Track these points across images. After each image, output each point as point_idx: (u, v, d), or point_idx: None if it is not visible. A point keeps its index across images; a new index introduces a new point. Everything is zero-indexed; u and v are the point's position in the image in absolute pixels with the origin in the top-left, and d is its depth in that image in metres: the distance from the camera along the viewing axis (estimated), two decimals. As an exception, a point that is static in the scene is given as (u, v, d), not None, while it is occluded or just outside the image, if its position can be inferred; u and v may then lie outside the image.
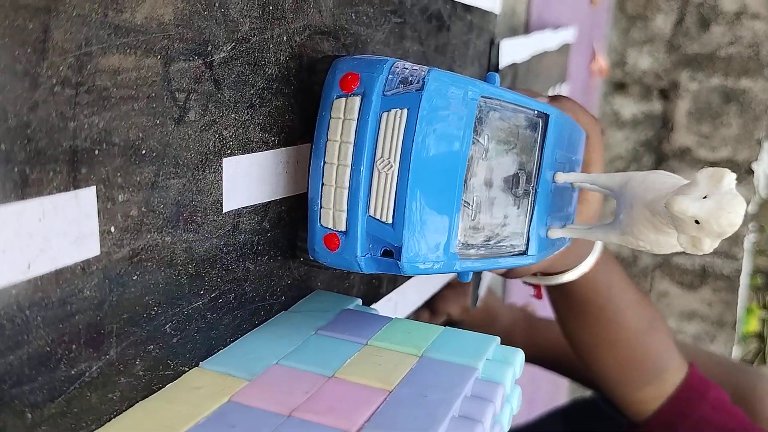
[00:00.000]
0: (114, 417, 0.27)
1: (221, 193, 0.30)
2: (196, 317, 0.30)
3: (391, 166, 0.31)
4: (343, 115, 0.32)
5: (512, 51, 0.73)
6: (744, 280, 2.36)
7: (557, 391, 1.88)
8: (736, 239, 2.29)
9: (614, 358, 0.62)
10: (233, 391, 0.28)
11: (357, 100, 0.31)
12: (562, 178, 0.40)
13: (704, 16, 2.26)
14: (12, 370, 0.22)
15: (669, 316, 2.35)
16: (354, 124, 0.31)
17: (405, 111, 0.31)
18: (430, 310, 0.71)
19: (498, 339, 0.34)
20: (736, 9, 2.19)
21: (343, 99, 0.32)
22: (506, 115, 0.36)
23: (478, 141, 0.34)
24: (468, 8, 0.55)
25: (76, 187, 0.23)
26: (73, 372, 0.25)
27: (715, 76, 2.27)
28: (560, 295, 0.58)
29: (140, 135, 0.25)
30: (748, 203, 2.22)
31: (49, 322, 0.23)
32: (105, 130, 0.24)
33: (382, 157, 0.31)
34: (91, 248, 0.24)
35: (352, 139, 0.31)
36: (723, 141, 2.27)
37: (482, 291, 0.74)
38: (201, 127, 0.28)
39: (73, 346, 0.24)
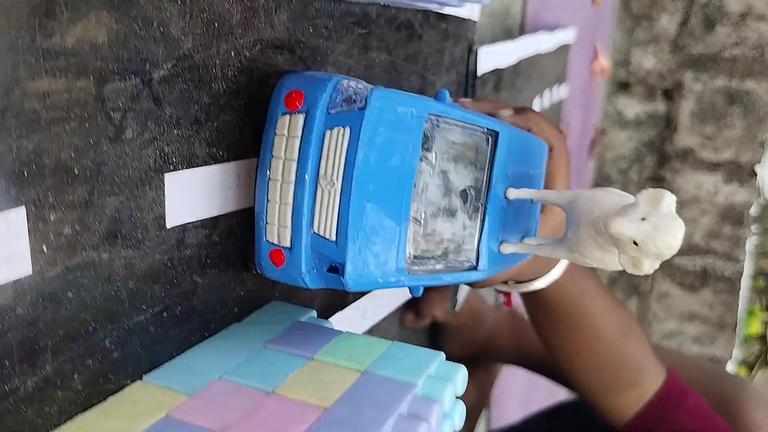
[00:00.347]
0: (50, 431, 0.27)
1: (164, 209, 0.30)
2: (139, 331, 0.30)
3: (334, 184, 0.31)
4: (287, 133, 0.32)
5: (494, 57, 0.73)
6: (745, 282, 2.35)
7: (555, 391, 1.88)
8: (738, 241, 2.28)
9: (590, 364, 0.62)
10: (171, 407, 0.29)
11: (301, 117, 0.32)
12: (513, 194, 0.40)
13: (709, 16, 2.24)
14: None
15: (669, 317, 2.34)
16: (297, 141, 0.32)
17: (347, 129, 0.31)
18: (414, 312, 0.71)
19: (442, 355, 0.34)
20: (741, 10, 2.17)
21: (288, 116, 0.32)
22: (455, 132, 0.36)
23: (426, 158, 0.34)
24: (443, 17, 0.55)
25: (4, 209, 0.23)
26: (6, 387, 0.25)
27: (719, 77, 2.26)
28: (533, 303, 0.58)
29: (72, 155, 0.26)
30: (750, 206, 2.21)
31: (-25, 340, 0.23)
32: (34, 152, 0.24)
33: (325, 174, 0.31)
34: (23, 267, 0.25)
35: (295, 156, 0.32)
36: (726, 143, 2.25)
37: (461, 296, 0.74)
38: (140, 144, 0.28)
39: (6, 362, 0.25)
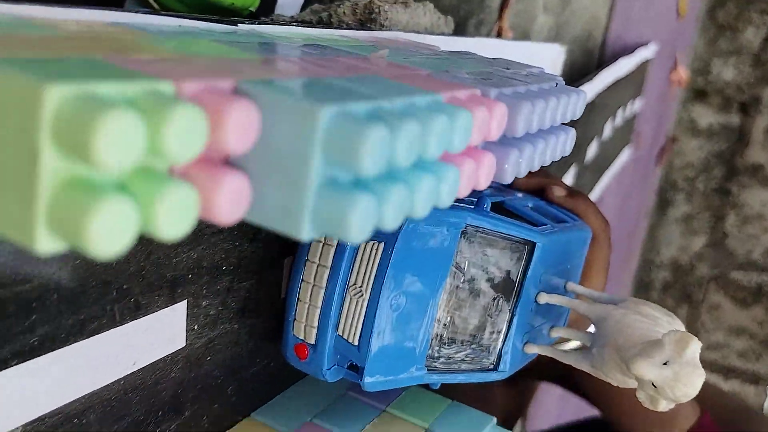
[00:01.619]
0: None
1: (282, 284, 0.38)
2: (252, 380, 0.38)
3: (362, 294, 0.33)
4: (323, 240, 0.34)
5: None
6: (800, 303, 2.34)
7: (587, 409, 1.93)
8: (797, 262, 2.27)
9: (621, 406, 0.67)
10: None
11: None
12: (544, 299, 0.41)
13: (797, 33, 2.21)
14: (116, 435, 0.30)
15: (718, 329, 2.36)
16: (332, 249, 0.34)
17: (381, 245, 0.33)
18: None
19: (494, 419, 0.41)
20: (830, 31, 2.13)
21: None
22: (491, 240, 0.37)
23: (458, 265, 0.36)
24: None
25: (172, 303, 0.31)
26: (158, 430, 0.33)
27: (799, 96, 2.23)
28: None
29: (223, 256, 0.33)
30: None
31: (144, 398, 0.31)
32: (197, 259, 0.32)
33: (355, 284, 0.33)
34: (179, 343, 0.32)
35: (329, 263, 0.34)
36: (798, 162, 2.23)
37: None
38: (266, 240, 0.36)
39: (160, 412, 0.33)
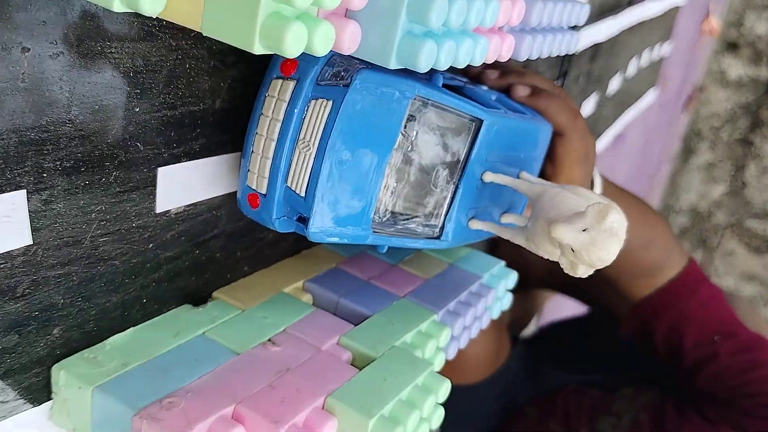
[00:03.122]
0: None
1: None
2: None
3: (310, 149, 0.35)
4: (277, 95, 0.35)
5: (593, 34, 0.88)
6: (812, 254, 2.43)
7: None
8: (812, 214, 2.34)
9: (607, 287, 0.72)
10: (338, 261, 0.49)
11: (291, 84, 0.35)
12: (489, 177, 0.44)
13: (833, -11, 2.24)
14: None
15: (730, 274, 2.46)
16: (284, 105, 0.35)
17: (330, 103, 0.34)
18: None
19: (503, 262, 0.53)
20: None
21: (280, 81, 0.35)
22: (440, 114, 0.39)
23: (406, 134, 0.38)
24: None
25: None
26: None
27: (830, 52, 2.28)
28: None
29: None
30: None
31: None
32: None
33: (303, 138, 0.35)
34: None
35: (281, 117, 0.35)
36: (823, 117, 2.29)
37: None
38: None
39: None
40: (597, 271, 0.38)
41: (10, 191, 0.29)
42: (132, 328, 0.38)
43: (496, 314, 0.51)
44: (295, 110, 0.35)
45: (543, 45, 0.40)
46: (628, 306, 0.72)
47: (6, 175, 0.29)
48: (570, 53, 0.44)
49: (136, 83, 0.32)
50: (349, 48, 0.29)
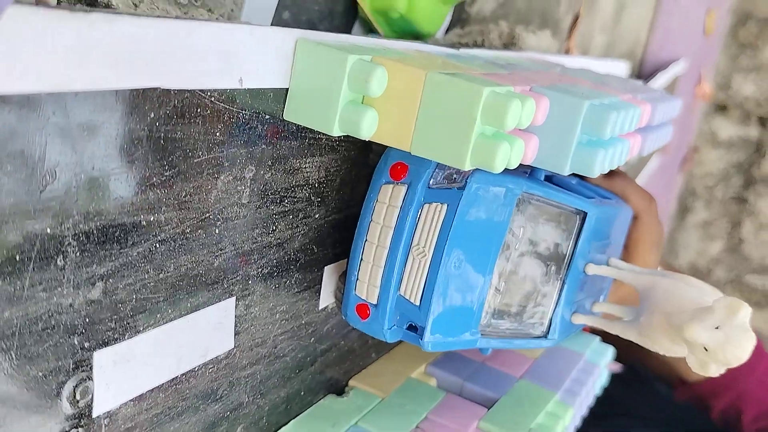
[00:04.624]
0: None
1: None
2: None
3: (425, 255, 0.34)
4: (388, 201, 0.35)
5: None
6: (811, 308, 2.47)
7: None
8: (810, 269, 2.40)
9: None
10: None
11: (403, 189, 0.34)
12: (592, 270, 0.42)
13: (814, 53, 2.34)
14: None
15: (733, 329, 2.49)
16: (397, 211, 0.34)
17: (445, 207, 0.33)
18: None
19: (598, 337, 0.55)
20: None
21: (391, 186, 0.34)
22: (546, 208, 0.39)
23: (513, 231, 0.37)
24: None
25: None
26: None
27: (814, 112, 2.36)
28: None
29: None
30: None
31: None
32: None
33: (418, 245, 0.34)
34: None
35: (393, 224, 0.34)
36: (812, 174, 2.36)
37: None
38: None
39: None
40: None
41: (224, 299, 0.31)
42: (293, 421, 0.40)
43: (599, 390, 0.53)
44: (408, 216, 0.34)
45: (656, 140, 0.43)
46: (683, 381, 0.72)
47: (223, 284, 0.31)
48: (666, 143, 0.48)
49: (318, 192, 0.35)
50: (530, 158, 0.32)
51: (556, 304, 0.41)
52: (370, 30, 0.51)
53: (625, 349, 0.94)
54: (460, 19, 0.57)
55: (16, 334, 0.23)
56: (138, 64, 0.23)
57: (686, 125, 2.16)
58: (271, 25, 0.43)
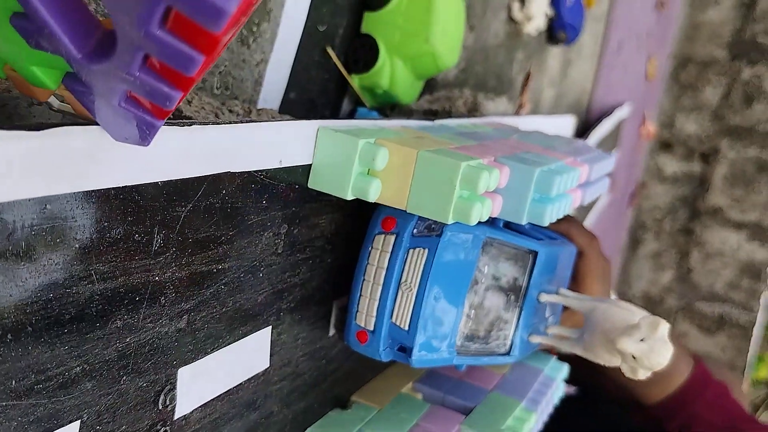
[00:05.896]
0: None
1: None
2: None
3: (411, 290, 0.43)
4: (381, 248, 0.43)
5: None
6: (758, 330, 2.62)
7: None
8: (754, 294, 2.55)
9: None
10: (431, 366, 0.60)
11: (392, 238, 0.43)
12: (545, 298, 0.52)
13: (749, 93, 2.53)
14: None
15: (685, 354, 2.62)
16: (388, 255, 0.43)
17: (426, 251, 0.42)
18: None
19: (554, 356, 0.65)
20: (777, 91, 2.44)
21: (382, 236, 0.43)
22: (505, 249, 0.48)
23: (479, 269, 0.46)
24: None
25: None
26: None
27: (752, 148, 2.54)
28: None
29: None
30: None
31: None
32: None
33: (405, 281, 0.43)
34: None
35: (385, 265, 0.43)
36: (753, 206, 2.53)
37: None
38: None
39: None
40: (609, 372, 0.45)
41: (264, 328, 0.40)
42: (308, 429, 0.48)
43: (557, 400, 0.63)
44: (397, 259, 0.43)
45: (595, 191, 0.54)
46: (638, 405, 0.75)
47: (263, 316, 0.40)
48: (604, 192, 0.58)
49: (330, 241, 0.44)
50: (496, 213, 0.42)
51: (516, 327, 0.51)
52: (356, 101, 0.62)
53: (582, 372, 1.03)
54: (428, 85, 0.68)
55: (133, 354, 0.32)
56: (217, 156, 0.32)
57: (634, 162, 2.30)
58: (281, 102, 0.53)
